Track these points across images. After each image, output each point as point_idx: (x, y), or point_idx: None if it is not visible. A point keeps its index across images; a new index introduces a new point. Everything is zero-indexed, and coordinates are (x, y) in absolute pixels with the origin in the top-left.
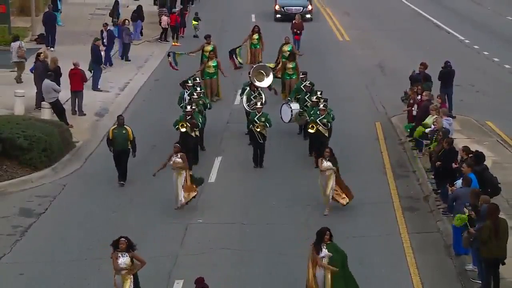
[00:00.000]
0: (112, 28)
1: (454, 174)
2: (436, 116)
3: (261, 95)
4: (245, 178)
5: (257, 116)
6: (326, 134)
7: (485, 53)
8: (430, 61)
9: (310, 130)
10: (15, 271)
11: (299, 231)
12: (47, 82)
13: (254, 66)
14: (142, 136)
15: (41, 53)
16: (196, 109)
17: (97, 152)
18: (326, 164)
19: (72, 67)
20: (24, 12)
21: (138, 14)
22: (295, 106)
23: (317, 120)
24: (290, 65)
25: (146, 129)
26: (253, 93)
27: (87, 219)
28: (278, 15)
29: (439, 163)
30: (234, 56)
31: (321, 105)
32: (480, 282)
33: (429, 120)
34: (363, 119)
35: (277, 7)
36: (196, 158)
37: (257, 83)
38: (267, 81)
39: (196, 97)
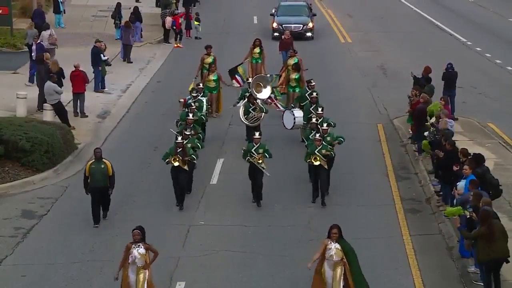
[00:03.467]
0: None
1: (456, 176)
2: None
3: (261, 108)
4: (247, 180)
5: (254, 148)
6: (326, 166)
7: (487, 55)
8: (433, 63)
9: (315, 163)
10: (17, 273)
11: (301, 233)
12: (49, 84)
13: (253, 78)
14: (144, 138)
15: (44, 54)
16: (191, 134)
17: None
18: (334, 248)
19: (73, 69)
20: (26, 14)
21: (136, 16)
22: (298, 113)
23: (316, 152)
24: (293, 76)
25: (148, 131)
26: (251, 106)
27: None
28: (276, 33)
29: (437, 151)
30: (237, 76)
31: (317, 135)
32: (482, 284)
33: (433, 121)
34: (365, 121)
35: (274, 25)
36: (189, 187)
37: (256, 95)
38: (266, 92)
39: (191, 118)
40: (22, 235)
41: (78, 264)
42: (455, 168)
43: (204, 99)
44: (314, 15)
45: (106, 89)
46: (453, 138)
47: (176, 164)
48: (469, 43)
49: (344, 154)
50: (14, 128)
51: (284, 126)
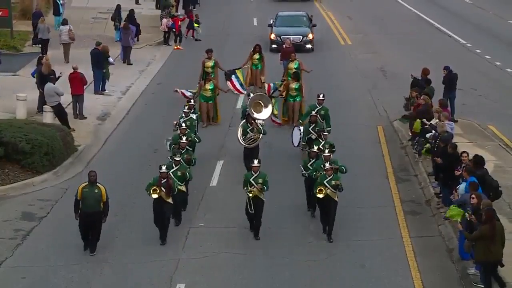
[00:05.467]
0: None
1: (457, 179)
2: (437, 120)
3: (259, 129)
4: None
5: (253, 177)
6: (336, 199)
7: (487, 56)
8: (432, 65)
9: (319, 195)
10: (17, 274)
11: (301, 235)
12: (49, 85)
13: (251, 96)
14: (144, 140)
15: (43, 56)
16: (183, 159)
17: (98, 156)
18: None
19: (72, 71)
20: (26, 16)
21: (130, 20)
22: None
23: (325, 182)
24: (293, 85)
25: (148, 133)
26: (249, 126)
27: None
28: (274, 45)
29: (438, 159)
30: (234, 78)
31: (327, 165)
32: (482, 286)
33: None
34: (365, 123)
35: (272, 36)
36: (178, 219)
37: (255, 115)
38: (266, 112)
39: (184, 141)
40: (22, 237)
41: (77, 266)
42: (457, 173)
43: (195, 116)
44: (314, 25)
45: (106, 91)
46: (453, 140)
47: (155, 196)
48: (468, 45)
49: (344, 156)
50: (14, 130)
51: (292, 143)
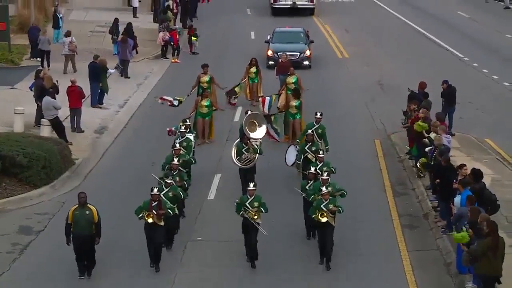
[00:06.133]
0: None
1: (454, 192)
2: (435, 135)
3: (255, 149)
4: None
5: (249, 201)
6: (333, 223)
7: (485, 70)
8: (430, 78)
9: (322, 220)
10: None
11: (300, 249)
12: (47, 99)
13: (246, 116)
14: (142, 153)
15: (41, 70)
16: (173, 183)
17: (96, 169)
18: None
19: (70, 84)
20: (24, 29)
21: (128, 33)
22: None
23: (322, 207)
24: (293, 103)
25: (145, 146)
26: (244, 146)
27: None
28: (271, 62)
29: (438, 180)
30: (231, 95)
31: (324, 189)
32: None
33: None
34: (363, 136)
35: (269, 53)
36: (170, 241)
37: (250, 135)
38: (260, 132)
39: (176, 163)
40: (19, 251)
41: (75, 281)
42: (455, 186)
43: (191, 136)
44: (312, 42)
45: (104, 104)
46: (451, 154)
47: (150, 220)
48: (466, 58)
49: (342, 169)
50: (12, 144)
51: (285, 162)
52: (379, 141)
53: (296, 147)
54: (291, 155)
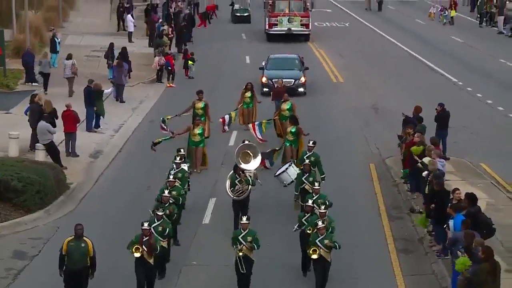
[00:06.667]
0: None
1: (448, 216)
2: (429, 159)
3: (248, 181)
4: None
5: (242, 235)
6: (329, 259)
7: (479, 95)
8: (424, 103)
9: (313, 256)
10: None
11: (295, 274)
12: (42, 123)
13: (239, 146)
14: (137, 178)
15: (36, 95)
16: (165, 214)
17: (91, 194)
18: None
19: (65, 108)
20: (19, 54)
21: (122, 57)
22: (293, 170)
23: (318, 242)
24: (290, 129)
25: (140, 170)
26: (237, 177)
27: None
28: (265, 89)
29: (433, 205)
30: (226, 116)
31: (320, 223)
32: None
33: (425, 161)
34: (357, 160)
35: (264, 79)
36: (162, 271)
37: (243, 166)
38: (254, 163)
39: (167, 195)
40: (13, 276)
41: None
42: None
43: (186, 167)
44: (307, 68)
45: (100, 127)
46: (445, 178)
47: (137, 255)
48: (460, 83)
49: (337, 193)
50: (6, 168)
51: (275, 173)
52: (374, 165)
53: (292, 165)
54: (284, 168)
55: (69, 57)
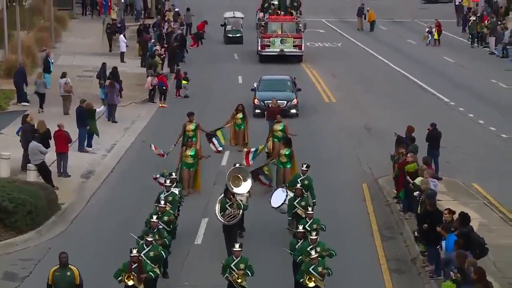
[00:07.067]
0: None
1: (440, 236)
2: (422, 179)
3: (239, 205)
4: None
5: (234, 262)
6: (322, 287)
7: (470, 115)
8: (416, 123)
9: (310, 285)
10: None
11: None
12: (33, 144)
13: (230, 169)
14: (129, 198)
15: (28, 115)
16: (155, 240)
17: (82, 214)
18: None
19: (57, 128)
20: (11, 74)
21: (113, 77)
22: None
23: (311, 270)
24: (283, 151)
25: (132, 191)
26: (228, 201)
27: None
28: (258, 110)
29: (425, 225)
30: (214, 139)
31: (313, 252)
32: None
33: (417, 181)
34: (350, 180)
35: (256, 101)
36: None
37: (234, 190)
38: (245, 186)
39: (155, 220)
40: None
41: None
42: (438, 229)
43: (177, 190)
44: (299, 90)
45: (92, 148)
46: (437, 198)
47: (131, 283)
48: (452, 103)
49: (329, 213)
50: None
51: (270, 203)
52: (366, 185)
53: (284, 190)
54: (278, 197)
55: (63, 75)
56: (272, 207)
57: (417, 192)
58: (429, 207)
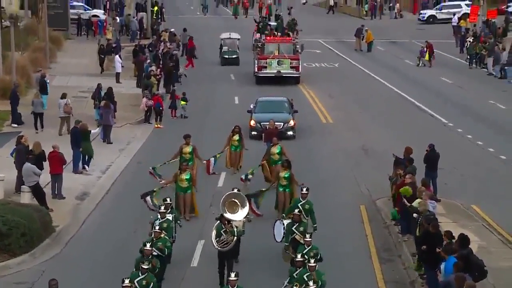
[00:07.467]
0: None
1: (439, 259)
2: (420, 200)
3: (233, 231)
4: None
5: None
6: None
7: (469, 136)
8: (414, 144)
9: None
10: None
11: None
12: (27, 165)
13: (226, 194)
14: (124, 220)
15: (23, 136)
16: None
17: (77, 237)
18: None
19: (51, 149)
20: (6, 95)
21: (108, 98)
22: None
23: None
24: (283, 174)
25: (128, 212)
26: (223, 227)
27: None
28: (254, 132)
29: (424, 246)
30: (213, 166)
31: (311, 283)
32: None
33: (415, 203)
34: (347, 202)
35: (252, 123)
36: None
37: (228, 216)
38: (242, 213)
39: (149, 248)
40: None
41: None
42: (438, 250)
43: (171, 216)
44: (296, 111)
45: (87, 168)
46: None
47: None
48: (450, 124)
49: (327, 235)
50: None
51: (274, 239)
52: (364, 206)
53: (282, 222)
54: (279, 231)
55: (63, 96)
56: (276, 241)
57: (416, 214)
58: (431, 228)
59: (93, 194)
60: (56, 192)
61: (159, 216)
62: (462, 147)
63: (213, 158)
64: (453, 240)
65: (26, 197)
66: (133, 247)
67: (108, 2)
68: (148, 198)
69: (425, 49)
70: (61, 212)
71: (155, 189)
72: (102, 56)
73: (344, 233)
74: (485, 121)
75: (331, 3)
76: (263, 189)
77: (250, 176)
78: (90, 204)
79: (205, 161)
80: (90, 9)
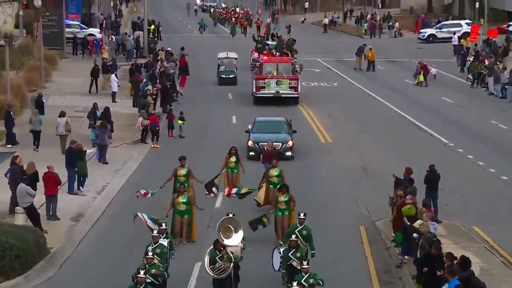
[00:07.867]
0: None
1: (441, 281)
2: (421, 221)
3: (229, 257)
4: None
5: None
6: None
7: (470, 156)
8: (414, 164)
9: None
10: None
11: None
12: (22, 186)
13: (221, 219)
14: (120, 242)
15: (17, 156)
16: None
17: (72, 258)
18: None
19: (46, 170)
20: (1, 116)
21: (105, 118)
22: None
23: None
24: (282, 198)
25: (123, 234)
26: (218, 253)
27: None
28: (252, 153)
29: (426, 269)
30: (213, 188)
31: None
32: None
33: (416, 224)
34: (347, 223)
35: (250, 143)
36: None
37: (224, 242)
38: (236, 238)
39: (142, 276)
40: None
41: None
42: (438, 273)
43: (166, 242)
44: (294, 131)
45: (82, 189)
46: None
47: None
48: (451, 144)
49: (326, 257)
50: None
51: (273, 267)
52: (363, 227)
53: (279, 250)
54: (277, 259)
55: (62, 114)
56: (274, 270)
57: (416, 234)
58: (434, 250)
59: (88, 215)
60: (50, 213)
61: (152, 242)
62: (463, 168)
63: (214, 188)
64: (455, 262)
65: (20, 219)
66: (129, 269)
67: (104, 21)
68: (144, 214)
69: (419, 69)
70: (55, 233)
71: (154, 191)
72: (92, 79)
73: (344, 254)
74: (486, 141)
75: (326, 21)
76: (262, 215)
77: (242, 192)
78: (85, 226)
79: (203, 182)
80: (86, 28)
